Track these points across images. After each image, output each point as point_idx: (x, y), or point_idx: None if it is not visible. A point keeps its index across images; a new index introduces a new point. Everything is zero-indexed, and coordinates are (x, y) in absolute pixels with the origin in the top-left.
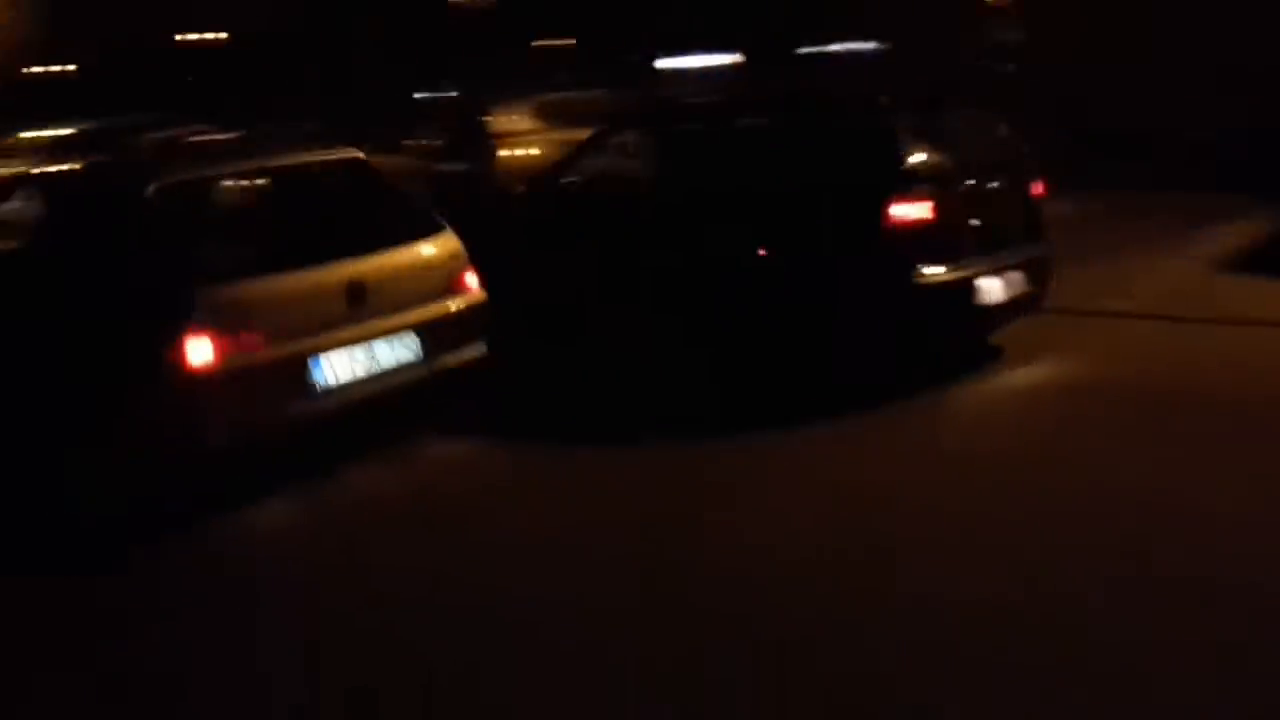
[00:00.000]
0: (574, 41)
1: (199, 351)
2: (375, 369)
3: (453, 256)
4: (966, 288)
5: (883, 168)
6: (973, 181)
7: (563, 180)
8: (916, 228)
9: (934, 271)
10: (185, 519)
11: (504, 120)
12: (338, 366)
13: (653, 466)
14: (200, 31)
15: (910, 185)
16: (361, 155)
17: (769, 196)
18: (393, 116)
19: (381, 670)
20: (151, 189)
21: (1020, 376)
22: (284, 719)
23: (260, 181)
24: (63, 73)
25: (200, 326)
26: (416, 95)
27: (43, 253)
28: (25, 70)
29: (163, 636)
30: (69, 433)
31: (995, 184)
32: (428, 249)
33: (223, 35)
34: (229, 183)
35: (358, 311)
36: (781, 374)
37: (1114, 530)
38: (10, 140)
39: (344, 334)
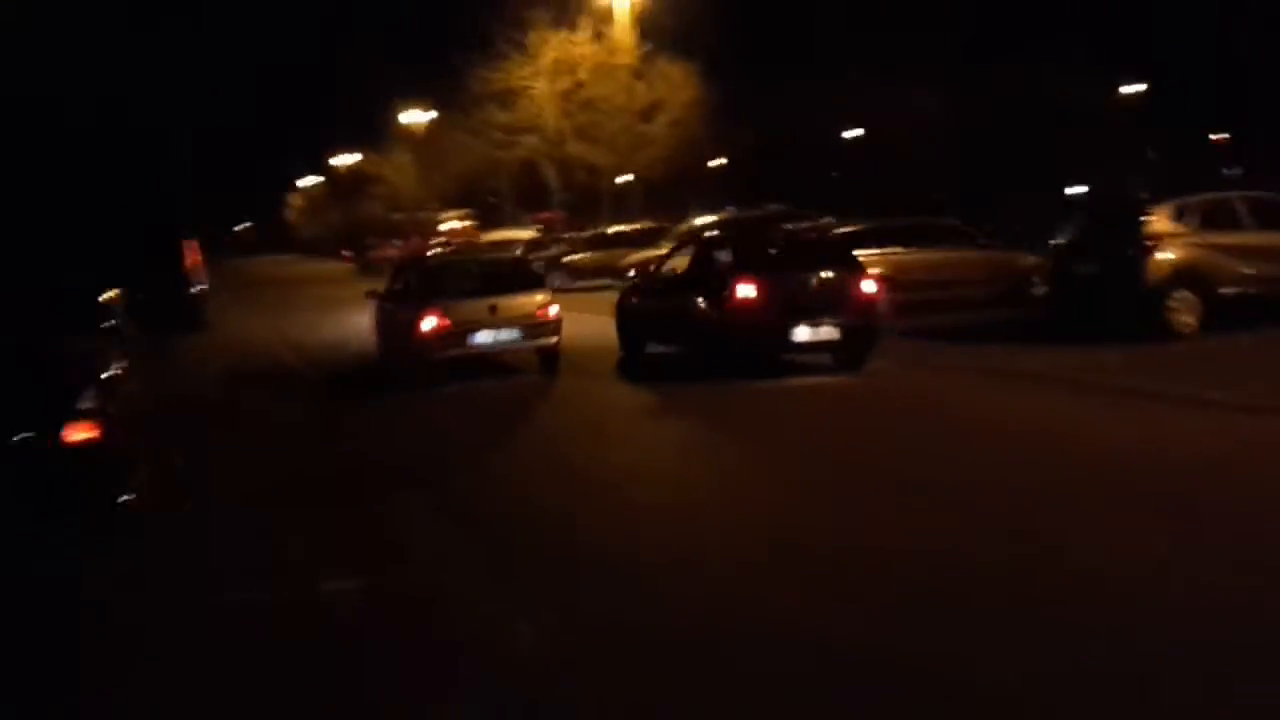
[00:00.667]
0: (1228, 136)
1: (428, 323)
2: (499, 340)
3: (543, 298)
4: (782, 328)
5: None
6: (797, 274)
7: (654, 269)
8: (750, 299)
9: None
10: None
11: (1156, 221)
12: (481, 338)
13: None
14: (845, 130)
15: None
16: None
17: (691, 279)
18: (1033, 213)
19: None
20: (430, 260)
21: (815, 380)
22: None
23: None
24: (718, 165)
25: (430, 313)
26: (1068, 192)
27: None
28: (701, 164)
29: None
30: (397, 346)
31: (819, 276)
32: (531, 295)
33: (858, 132)
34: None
35: (494, 317)
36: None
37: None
38: (683, 226)
39: (485, 325)
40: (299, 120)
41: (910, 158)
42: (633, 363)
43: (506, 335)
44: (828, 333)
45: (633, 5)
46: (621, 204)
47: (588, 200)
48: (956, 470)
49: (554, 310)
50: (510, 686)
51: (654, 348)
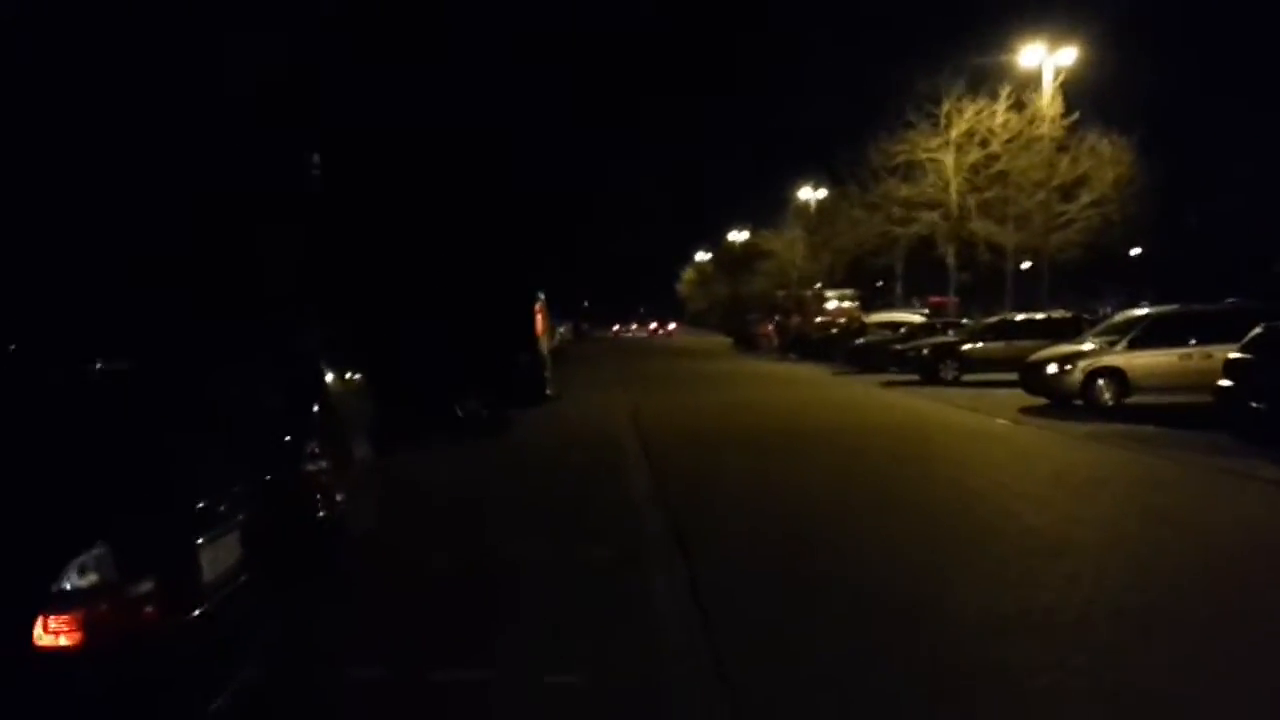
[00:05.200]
0: None
1: None
2: None
3: None
4: None
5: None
6: None
7: None
8: None
9: None
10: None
11: None
12: None
13: None
14: None
15: None
16: None
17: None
18: None
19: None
20: None
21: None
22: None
23: None
24: (1135, 254)
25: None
26: None
27: None
28: (1121, 251)
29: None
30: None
31: None
32: None
33: None
34: None
35: None
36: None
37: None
38: (1121, 317)
39: None
40: (701, 194)
41: None
42: None
43: None
44: None
45: (1060, 70)
46: (1024, 289)
47: (986, 283)
48: None
49: None
50: None
51: None
